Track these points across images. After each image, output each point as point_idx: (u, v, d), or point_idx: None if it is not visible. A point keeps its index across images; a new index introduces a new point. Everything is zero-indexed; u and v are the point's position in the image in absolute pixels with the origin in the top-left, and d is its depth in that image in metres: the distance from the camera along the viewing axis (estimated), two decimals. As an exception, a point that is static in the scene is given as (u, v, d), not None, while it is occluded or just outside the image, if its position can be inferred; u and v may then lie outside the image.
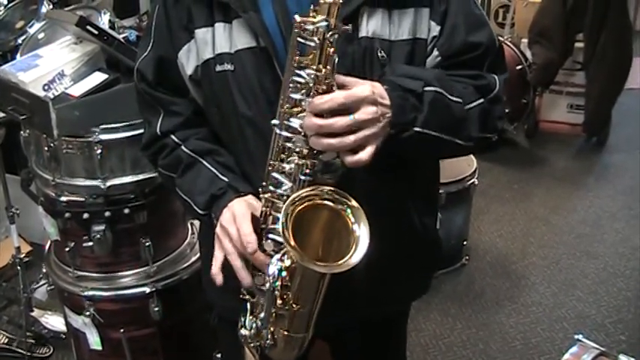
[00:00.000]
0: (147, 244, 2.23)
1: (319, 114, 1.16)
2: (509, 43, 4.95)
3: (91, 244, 2.19)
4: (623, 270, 3.61)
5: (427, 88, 1.26)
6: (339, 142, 1.16)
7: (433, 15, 1.34)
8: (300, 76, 1.18)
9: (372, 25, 1.31)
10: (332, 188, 1.23)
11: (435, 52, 1.35)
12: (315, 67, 1.17)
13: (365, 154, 1.18)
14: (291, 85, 1.20)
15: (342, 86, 1.20)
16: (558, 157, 4.97)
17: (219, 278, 1.35)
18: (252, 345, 1.40)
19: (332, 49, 1.17)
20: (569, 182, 4.60)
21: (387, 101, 1.21)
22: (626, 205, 4.27)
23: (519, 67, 4.87)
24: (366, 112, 1.17)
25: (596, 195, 4.41)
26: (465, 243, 3.67)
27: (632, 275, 3.55)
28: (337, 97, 1.16)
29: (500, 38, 4.91)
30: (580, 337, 1.82)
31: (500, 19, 5.90)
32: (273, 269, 1.24)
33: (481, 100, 1.34)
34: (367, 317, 1.52)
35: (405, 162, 1.40)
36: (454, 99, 1.30)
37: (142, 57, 1.47)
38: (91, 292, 2.26)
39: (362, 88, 1.18)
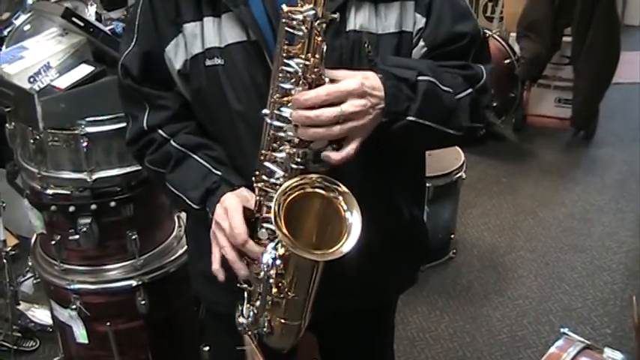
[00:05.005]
0: (133, 237, 2.22)
1: (305, 108, 1.17)
2: (497, 37, 4.96)
3: (77, 237, 2.18)
4: (609, 263, 3.63)
5: (421, 78, 1.27)
6: (324, 132, 1.17)
7: (418, 8, 1.34)
8: (289, 65, 1.19)
9: (359, 19, 1.32)
10: (320, 176, 1.23)
11: (421, 43, 1.36)
12: (303, 57, 1.18)
13: (347, 150, 1.20)
14: (280, 74, 1.21)
15: (333, 80, 1.20)
16: (546, 150, 4.99)
17: (220, 275, 1.36)
18: (249, 333, 1.42)
19: (320, 38, 1.18)
20: (556, 176, 4.62)
21: (380, 92, 1.22)
22: (613, 198, 4.29)
23: (507, 60, 4.88)
24: (353, 105, 1.17)
25: (583, 189, 4.43)
26: (452, 236, 3.68)
27: (618, 269, 3.58)
28: (320, 92, 1.17)
29: (489, 32, 4.92)
30: (566, 330, 1.82)
31: (489, 13, 5.91)
32: (267, 258, 1.25)
33: (470, 90, 1.35)
34: (355, 308, 1.53)
35: (394, 153, 1.41)
36: (445, 88, 1.30)
37: (126, 52, 1.45)
38: (77, 286, 2.25)
39: (349, 81, 1.19)
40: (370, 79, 1.22)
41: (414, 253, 1.64)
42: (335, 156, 1.21)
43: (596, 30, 4.68)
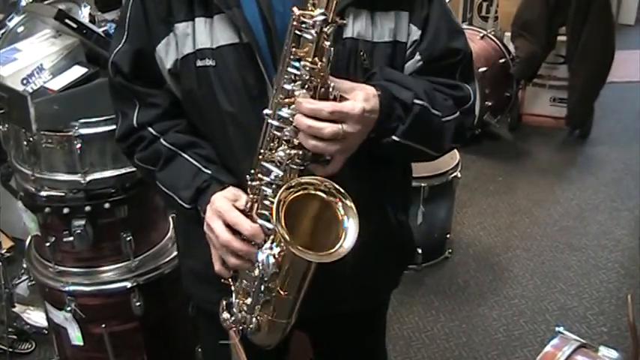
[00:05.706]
0: (128, 238, 2.22)
1: (306, 115, 1.19)
2: (492, 37, 4.95)
3: (71, 239, 2.17)
4: (605, 262, 3.63)
5: (416, 101, 1.30)
6: (324, 147, 1.20)
7: (414, 19, 1.36)
8: (295, 67, 1.20)
9: (357, 27, 1.33)
10: (332, 183, 1.25)
11: (417, 57, 1.37)
12: (310, 60, 1.18)
13: (332, 168, 1.25)
14: (285, 76, 1.22)
15: (339, 91, 1.22)
16: (541, 149, 4.99)
17: (226, 273, 1.38)
18: (234, 329, 1.41)
19: (328, 43, 1.18)
20: (552, 175, 4.62)
21: (375, 114, 1.25)
22: (609, 197, 4.30)
23: (502, 60, 4.88)
24: (352, 127, 1.20)
25: (578, 187, 4.44)
26: (448, 236, 3.68)
27: (613, 267, 3.58)
28: (325, 108, 1.18)
29: (484, 32, 4.92)
30: (561, 329, 1.83)
31: (484, 13, 5.91)
32: (262, 256, 1.25)
33: (457, 114, 1.39)
34: (344, 309, 1.53)
35: (381, 159, 1.42)
36: (435, 112, 1.33)
37: (116, 50, 1.44)
38: (72, 288, 2.25)
39: (352, 105, 1.20)
40: (370, 102, 1.23)
41: (399, 257, 1.65)
42: (319, 173, 1.25)
43: (591, 29, 4.69)
